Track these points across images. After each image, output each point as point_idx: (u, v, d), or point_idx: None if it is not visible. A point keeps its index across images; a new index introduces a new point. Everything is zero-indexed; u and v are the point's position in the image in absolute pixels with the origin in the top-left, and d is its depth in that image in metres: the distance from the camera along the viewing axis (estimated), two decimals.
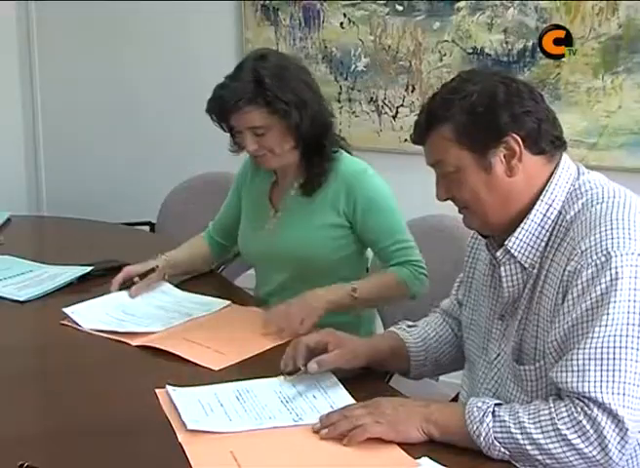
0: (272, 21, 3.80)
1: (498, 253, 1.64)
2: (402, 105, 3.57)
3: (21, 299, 2.36)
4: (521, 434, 1.46)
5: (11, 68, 4.47)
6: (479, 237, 1.81)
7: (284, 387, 1.74)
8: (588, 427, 1.42)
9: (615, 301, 1.46)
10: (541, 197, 1.60)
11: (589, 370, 1.45)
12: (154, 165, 4.22)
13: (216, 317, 2.21)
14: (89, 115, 4.39)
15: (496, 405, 1.51)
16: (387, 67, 3.58)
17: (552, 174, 1.62)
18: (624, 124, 3.13)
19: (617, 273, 1.47)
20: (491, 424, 1.48)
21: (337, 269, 2.30)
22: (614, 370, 1.44)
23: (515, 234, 1.61)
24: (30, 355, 2.08)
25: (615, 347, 1.45)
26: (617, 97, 3.12)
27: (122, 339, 2.03)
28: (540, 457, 1.45)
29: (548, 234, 1.60)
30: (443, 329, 1.93)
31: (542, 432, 1.45)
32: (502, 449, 1.47)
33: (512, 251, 1.61)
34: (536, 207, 1.60)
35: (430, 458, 1.49)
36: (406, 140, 3.58)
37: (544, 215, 1.60)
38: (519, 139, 1.58)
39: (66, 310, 2.21)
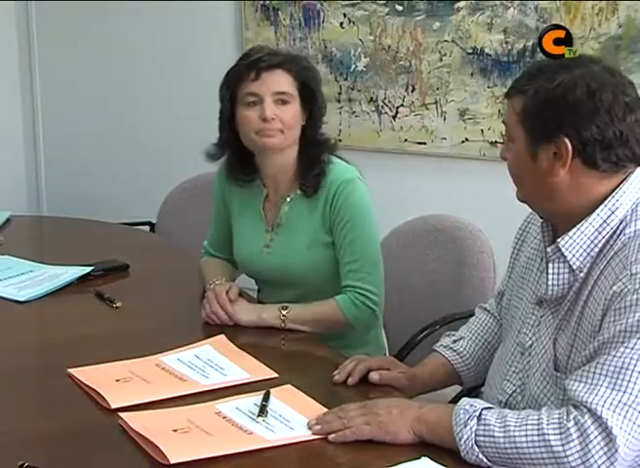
0: (272, 21, 3.80)
1: (548, 250, 1.60)
2: (402, 105, 3.57)
3: (21, 299, 2.36)
4: (504, 437, 1.45)
5: (11, 68, 4.47)
6: (532, 220, 1.77)
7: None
8: (575, 436, 1.40)
9: None
10: (606, 202, 1.54)
11: (600, 386, 1.42)
12: (154, 165, 4.22)
13: None
14: (89, 115, 4.39)
15: (485, 408, 1.50)
16: (387, 67, 3.58)
17: (622, 183, 1.55)
18: None
19: None
20: (474, 428, 1.47)
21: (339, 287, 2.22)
22: (624, 392, 1.41)
23: (570, 234, 1.56)
24: (30, 355, 2.08)
25: (633, 370, 1.41)
26: None
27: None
28: (518, 462, 1.44)
29: (604, 241, 1.54)
30: (489, 333, 1.91)
31: (526, 435, 1.43)
32: (480, 456, 1.46)
33: (563, 250, 1.56)
34: (597, 211, 1.54)
35: (430, 458, 1.49)
36: (406, 140, 3.61)
37: (604, 221, 1.54)
38: (569, 146, 1.52)
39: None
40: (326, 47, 3.69)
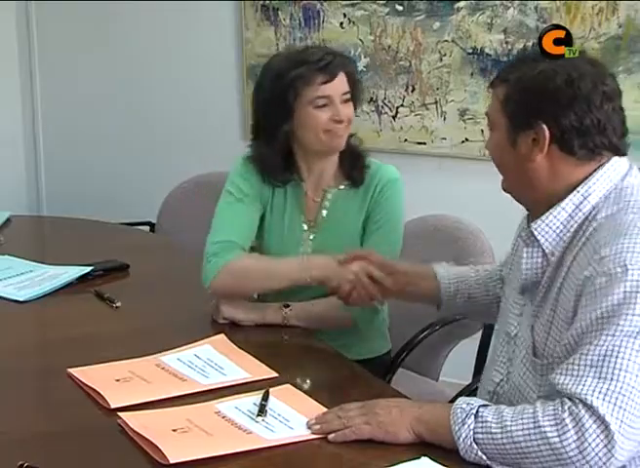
0: (272, 21, 3.80)
1: (522, 234, 1.65)
2: (402, 105, 3.57)
3: (21, 299, 2.36)
4: (501, 432, 1.45)
5: (11, 68, 4.47)
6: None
7: None
8: (570, 426, 1.40)
9: (627, 314, 1.43)
10: (579, 188, 1.58)
11: (587, 377, 1.43)
12: (154, 165, 4.22)
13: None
14: (89, 115, 4.38)
15: (481, 406, 1.51)
16: (387, 67, 3.58)
17: (595, 171, 1.59)
18: None
19: (631, 286, 1.44)
20: (472, 426, 1.47)
21: None
22: (611, 380, 1.41)
23: (542, 218, 1.60)
24: (30, 355, 2.08)
25: (617, 357, 1.42)
26: None
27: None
28: (517, 456, 1.44)
29: (576, 226, 1.58)
30: (485, 274, 1.98)
31: (523, 429, 1.44)
32: (480, 453, 1.46)
33: (536, 233, 1.60)
34: (570, 197, 1.58)
35: (430, 458, 1.49)
36: (406, 140, 3.61)
37: (577, 207, 1.58)
38: (547, 133, 1.56)
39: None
40: (326, 47, 3.68)
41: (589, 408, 1.40)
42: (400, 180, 2.28)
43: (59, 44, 4.41)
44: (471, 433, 1.47)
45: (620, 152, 1.61)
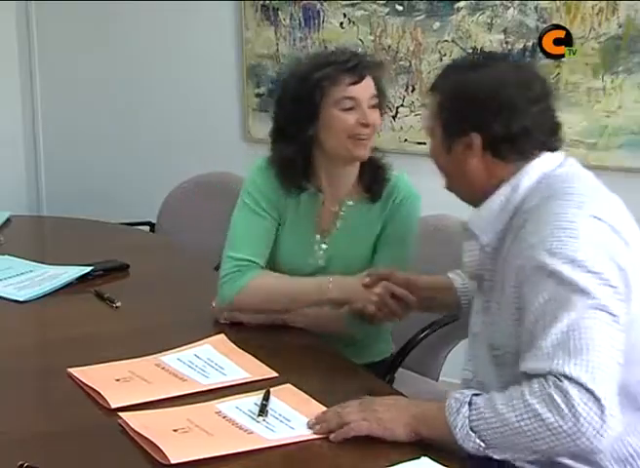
0: (272, 21, 3.80)
1: (462, 228, 1.71)
2: (402, 105, 3.57)
3: (21, 299, 2.36)
4: (495, 416, 1.46)
5: (11, 69, 4.47)
6: None
7: None
8: (559, 400, 1.41)
9: (573, 294, 1.47)
10: (510, 181, 1.64)
11: (557, 355, 1.45)
12: (154, 165, 4.22)
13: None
14: (89, 115, 4.39)
15: (474, 394, 1.52)
16: (387, 67, 3.58)
17: (526, 165, 1.65)
18: (624, 124, 3.13)
19: (562, 269, 1.48)
20: (467, 414, 1.48)
21: None
22: (581, 351, 1.43)
23: (475, 211, 1.68)
24: (30, 355, 2.08)
25: (579, 331, 1.45)
26: (616, 98, 3.11)
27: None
28: (513, 438, 1.45)
29: (508, 217, 1.63)
30: None
31: (514, 409, 1.45)
32: (477, 440, 1.47)
33: (471, 226, 1.68)
34: (501, 189, 1.64)
35: (430, 458, 1.50)
36: (406, 140, 3.61)
37: (507, 199, 1.64)
38: (478, 142, 1.63)
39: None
40: (326, 47, 3.68)
41: (571, 379, 1.42)
42: (420, 199, 2.25)
43: (59, 44, 4.42)
44: (467, 421, 1.48)
45: (552, 149, 1.67)
